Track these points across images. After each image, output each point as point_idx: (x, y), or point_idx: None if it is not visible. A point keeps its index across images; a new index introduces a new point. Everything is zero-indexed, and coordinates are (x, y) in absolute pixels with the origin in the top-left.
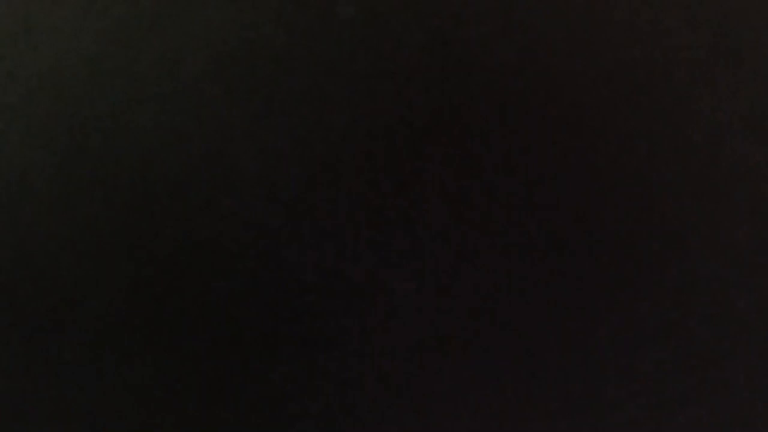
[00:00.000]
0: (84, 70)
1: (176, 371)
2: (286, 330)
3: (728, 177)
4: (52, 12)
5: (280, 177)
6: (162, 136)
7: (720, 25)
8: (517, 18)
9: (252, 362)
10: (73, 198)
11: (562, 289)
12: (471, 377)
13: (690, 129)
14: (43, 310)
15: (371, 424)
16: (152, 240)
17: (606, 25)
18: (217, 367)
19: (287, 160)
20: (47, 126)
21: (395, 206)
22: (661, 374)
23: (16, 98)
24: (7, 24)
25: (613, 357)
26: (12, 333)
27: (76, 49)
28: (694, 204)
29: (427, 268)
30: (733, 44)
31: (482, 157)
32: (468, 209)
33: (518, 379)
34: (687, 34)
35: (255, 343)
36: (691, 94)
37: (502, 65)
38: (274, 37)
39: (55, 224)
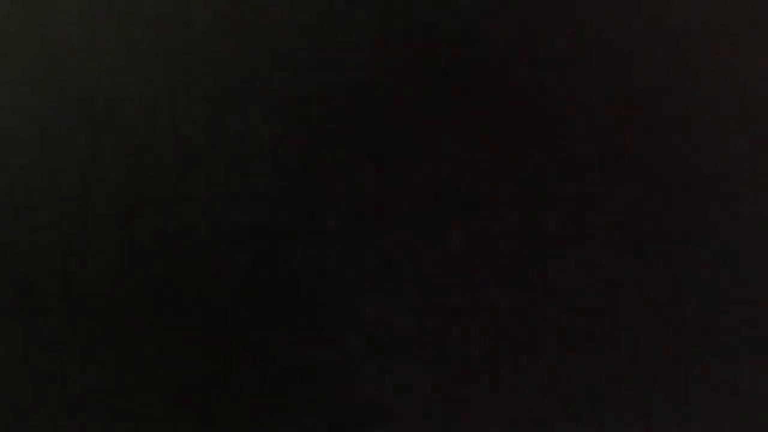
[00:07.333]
0: (81, 64)
1: (173, 370)
2: (284, 329)
3: (728, 177)
4: (50, 15)
5: (279, 176)
6: (160, 136)
7: (719, 25)
8: (517, 17)
9: (251, 361)
10: (66, 194)
11: (561, 288)
12: (471, 377)
13: (689, 129)
14: (38, 308)
15: (371, 424)
16: (148, 239)
17: (606, 24)
18: (215, 365)
19: (286, 159)
20: (38, 122)
21: (394, 206)
22: (660, 375)
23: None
24: (3, 10)
25: (613, 358)
26: (8, 330)
27: (73, 46)
28: (694, 203)
29: (426, 267)
30: (733, 44)
31: (480, 157)
32: (467, 207)
33: (518, 380)
34: (686, 33)
35: (253, 342)
36: (691, 94)
37: (502, 65)
38: (271, 35)
39: (49, 222)
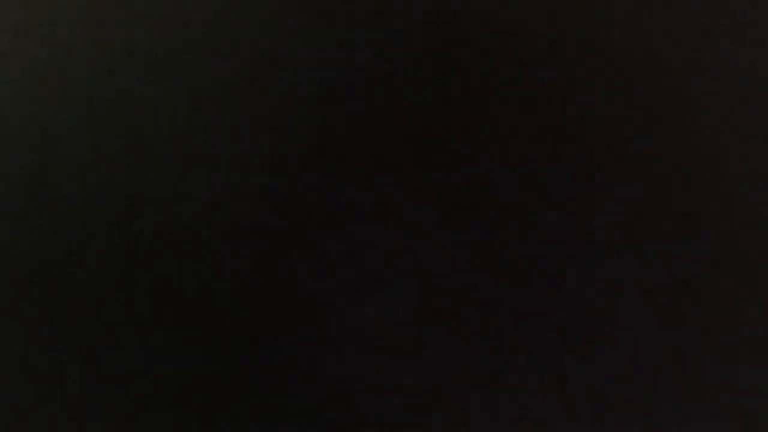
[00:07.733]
0: (80, 66)
1: (173, 370)
2: (284, 329)
3: (728, 177)
4: (50, 15)
5: (278, 176)
6: (160, 136)
7: (719, 25)
8: (518, 16)
9: (251, 361)
10: (67, 194)
11: (561, 288)
12: (471, 377)
13: (689, 128)
14: (38, 308)
15: (370, 424)
16: (148, 238)
17: (606, 24)
18: (215, 365)
19: (286, 159)
20: (38, 122)
21: (394, 206)
22: (660, 375)
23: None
24: (4, 11)
25: (613, 358)
26: (8, 330)
27: (73, 46)
28: (694, 203)
29: (426, 267)
30: (733, 45)
31: (480, 157)
32: (467, 207)
33: (518, 380)
34: (686, 34)
35: (253, 342)
36: (691, 94)
37: (503, 64)
38: (271, 35)
39: (49, 222)
